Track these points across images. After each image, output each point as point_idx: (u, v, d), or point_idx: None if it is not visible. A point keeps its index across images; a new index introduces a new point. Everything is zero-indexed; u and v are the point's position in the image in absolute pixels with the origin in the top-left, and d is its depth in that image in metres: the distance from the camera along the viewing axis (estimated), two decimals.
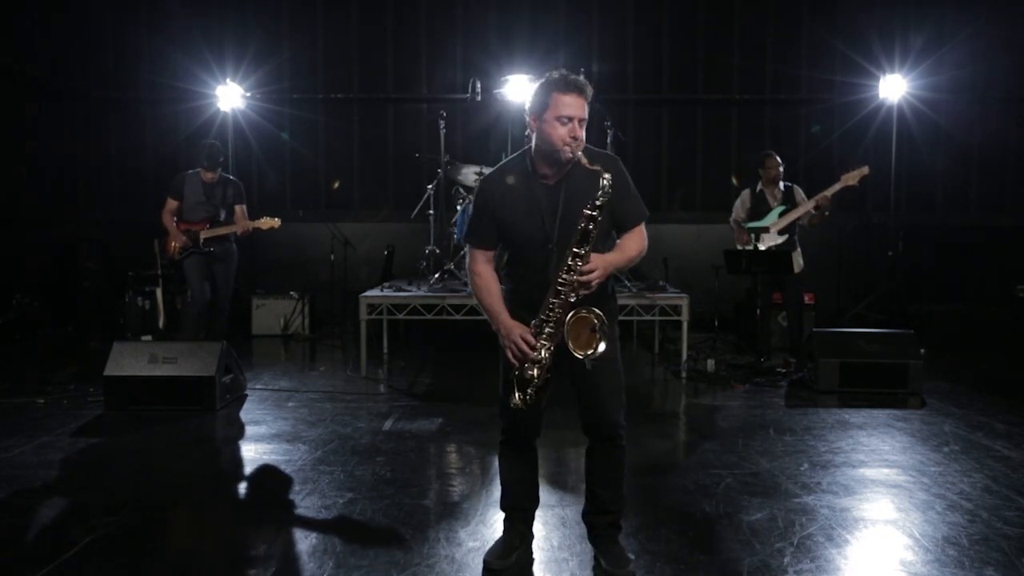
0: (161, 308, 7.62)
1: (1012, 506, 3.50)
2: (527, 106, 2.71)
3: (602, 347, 2.58)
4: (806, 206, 6.18)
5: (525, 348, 2.61)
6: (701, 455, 4.31)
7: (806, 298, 6.97)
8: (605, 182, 2.52)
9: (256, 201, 8.88)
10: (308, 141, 9.42)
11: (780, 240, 6.24)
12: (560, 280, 2.57)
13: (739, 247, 6.38)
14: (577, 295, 2.57)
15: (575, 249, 2.55)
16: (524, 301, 2.71)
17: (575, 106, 2.59)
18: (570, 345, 2.58)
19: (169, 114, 9.20)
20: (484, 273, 2.80)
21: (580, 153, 2.58)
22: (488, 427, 4.70)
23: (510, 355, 2.65)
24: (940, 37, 9.09)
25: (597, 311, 2.58)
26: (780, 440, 4.58)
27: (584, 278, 2.55)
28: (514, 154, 2.83)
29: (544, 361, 2.63)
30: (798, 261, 6.35)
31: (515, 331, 2.64)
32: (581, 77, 2.65)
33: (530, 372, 2.63)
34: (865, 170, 6.15)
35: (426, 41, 9.36)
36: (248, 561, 2.96)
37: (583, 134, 2.63)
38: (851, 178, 6.11)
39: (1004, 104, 9.29)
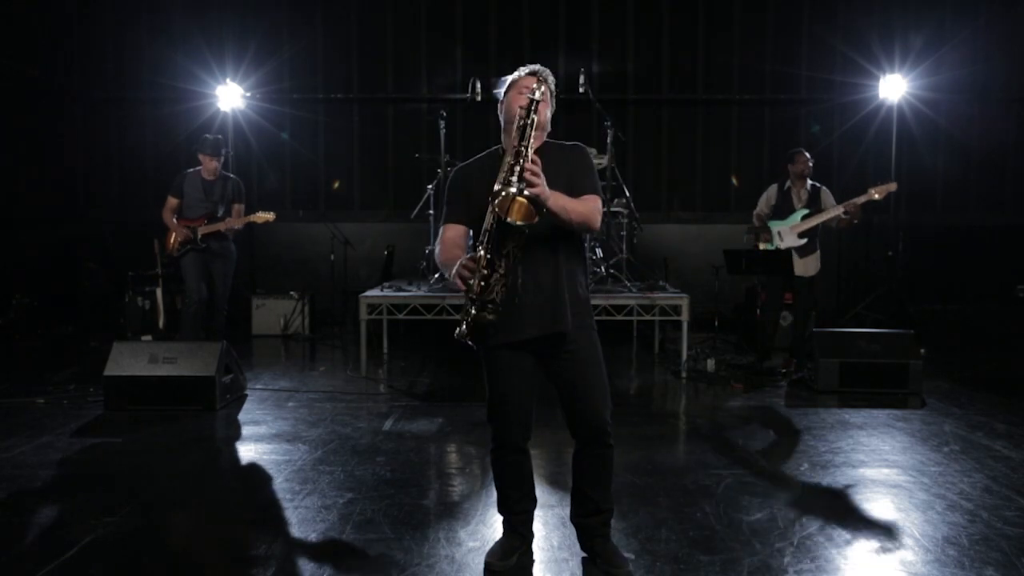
0: (161, 308, 7.62)
1: (1012, 506, 3.50)
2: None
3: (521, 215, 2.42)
4: (832, 212, 6.14)
5: (470, 265, 2.49)
6: (701, 455, 4.31)
7: None
8: (536, 92, 2.58)
9: (256, 201, 8.88)
10: (308, 141, 9.42)
11: (800, 243, 6.22)
12: (503, 178, 2.49)
13: (760, 245, 6.36)
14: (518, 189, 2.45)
15: (514, 146, 2.53)
16: None
17: (530, 82, 2.72)
18: (496, 207, 2.42)
19: (169, 114, 9.20)
20: (449, 239, 2.80)
21: (537, 92, 2.58)
22: (488, 427, 4.69)
23: (459, 283, 2.53)
24: (940, 37, 9.10)
25: (536, 197, 2.44)
26: (780, 440, 4.57)
27: (530, 166, 2.45)
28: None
29: (493, 269, 2.48)
30: (815, 264, 6.31)
31: (458, 262, 2.55)
32: (545, 68, 2.80)
33: (479, 283, 2.49)
34: (892, 186, 6.13)
35: (426, 41, 9.37)
36: (248, 561, 2.96)
37: (544, 108, 2.70)
38: (878, 192, 6.07)
39: (1004, 104, 9.29)
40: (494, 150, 2.85)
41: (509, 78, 2.84)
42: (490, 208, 2.47)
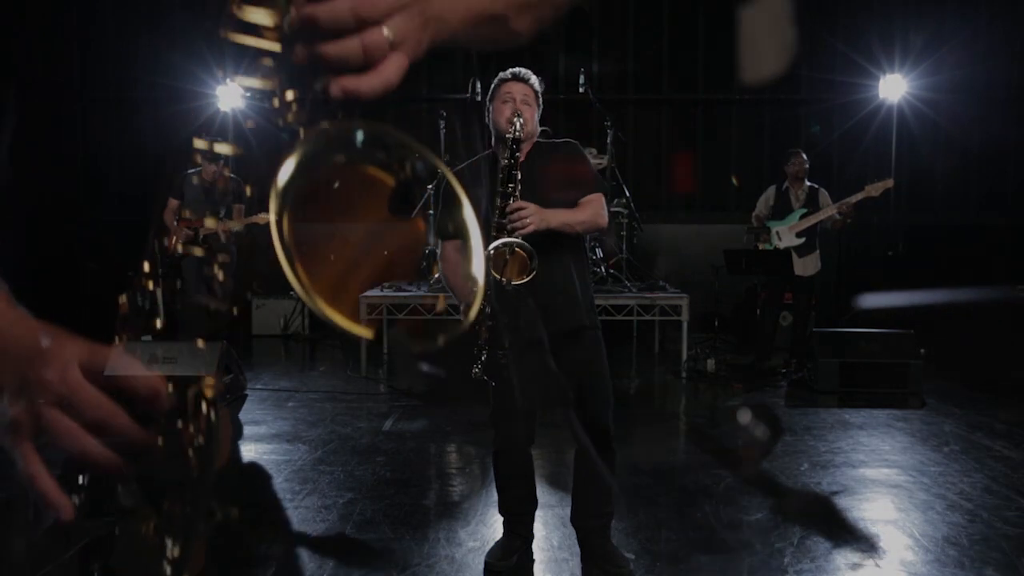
0: (161, 308, 7.61)
1: (1012, 506, 3.50)
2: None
3: (525, 278, 2.47)
4: (827, 211, 6.17)
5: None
6: (701, 455, 4.31)
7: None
8: (517, 122, 2.60)
9: (256, 202, 8.88)
10: None
11: (798, 242, 6.23)
12: (495, 224, 2.54)
13: (760, 246, 6.38)
14: (510, 233, 2.51)
15: (499, 188, 2.56)
16: None
17: (516, 90, 2.74)
18: (492, 268, 2.47)
19: (169, 114, 9.20)
20: (451, 258, 2.79)
21: (517, 123, 2.61)
22: (488, 427, 4.69)
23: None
24: (940, 37, 9.08)
25: (528, 247, 2.47)
26: (780, 440, 4.58)
27: (516, 209, 2.50)
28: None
29: (496, 320, 2.59)
30: (815, 263, 6.32)
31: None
32: (526, 70, 2.79)
33: (485, 333, 2.62)
34: (889, 182, 6.15)
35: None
36: (248, 561, 2.96)
37: (530, 115, 2.71)
38: (874, 189, 6.09)
39: (1004, 104, 9.28)
40: (489, 154, 2.85)
41: (495, 80, 2.83)
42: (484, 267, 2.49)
